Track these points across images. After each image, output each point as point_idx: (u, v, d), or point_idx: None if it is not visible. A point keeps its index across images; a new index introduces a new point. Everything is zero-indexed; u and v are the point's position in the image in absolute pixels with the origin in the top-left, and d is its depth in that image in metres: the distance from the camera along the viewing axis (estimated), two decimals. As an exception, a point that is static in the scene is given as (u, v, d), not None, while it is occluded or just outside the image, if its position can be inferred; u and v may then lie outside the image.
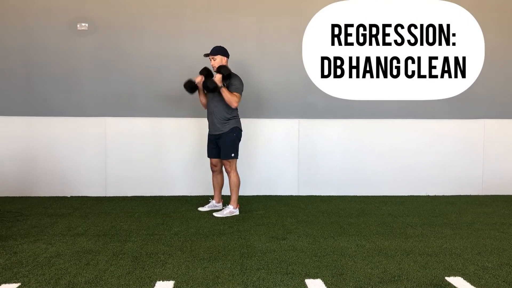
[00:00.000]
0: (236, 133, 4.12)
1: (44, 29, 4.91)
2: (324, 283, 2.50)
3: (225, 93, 3.97)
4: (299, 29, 5.07)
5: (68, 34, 4.92)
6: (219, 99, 4.05)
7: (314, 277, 2.59)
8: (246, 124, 4.65)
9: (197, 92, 4.23)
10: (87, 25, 4.91)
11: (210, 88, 3.96)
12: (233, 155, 4.09)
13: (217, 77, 4.01)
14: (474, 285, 2.49)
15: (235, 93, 4.02)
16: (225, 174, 4.32)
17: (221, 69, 4.01)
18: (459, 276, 2.63)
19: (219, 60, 4.10)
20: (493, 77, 5.25)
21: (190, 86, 4.17)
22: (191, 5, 5.02)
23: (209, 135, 4.23)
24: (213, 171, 4.30)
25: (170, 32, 5.01)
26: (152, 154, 5.02)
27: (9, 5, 4.88)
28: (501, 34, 5.24)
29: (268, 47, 5.09)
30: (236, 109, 4.13)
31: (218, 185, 4.34)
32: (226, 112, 4.07)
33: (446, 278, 2.60)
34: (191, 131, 4.96)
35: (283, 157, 5.11)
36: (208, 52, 4.14)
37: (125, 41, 4.98)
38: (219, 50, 4.12)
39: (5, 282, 2.47)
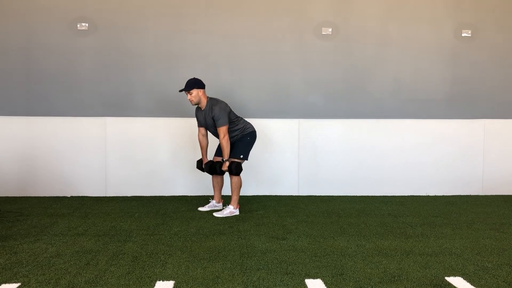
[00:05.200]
0: (250, 137, 4.16)
1: (44, 29, 4.91)
2: (324, 283, 2.50)
3: (226, 152, 4.03)
4: (299, 28, 5.09)
5: (68, 34, 4.92)
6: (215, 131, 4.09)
7: (314, 277, 2.59)
8: (246, 124, 4.65)
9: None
10: (87, 25, 4.92)
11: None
12: (241, 156, 4.10)
13: (224, 167, 4.05)
14: (474, 285, 2.49)
15: (220, 127, 3.98)
16: (225, 174, 4.32)
17: (233, 170, 4.05)
18: (459, 276, 2.63)
19: (195, 94, 3.97)
20: (493, 77, 5.26)
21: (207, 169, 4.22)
22: (191, 5, 5.02)
23: None
24: None
25: (170, 32, 5.01)
26: (152, 154, 5.02)
27: (10, 5, 4.88)
28: (501, 34, 5.24)
29: (268, 46, 5.09)
30: (238, 119, 4.14)
31: (218, 185, 4.33)
32: (229, 133, 4.07)
33: (446, 278, 2.60)
34: (192, 131, 4.95)
35: (283, 157, 5.11)
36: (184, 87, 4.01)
37: (125, 41, 4.98)
38: (194, 83, 3.97)
39: (5, 282, 2.47)
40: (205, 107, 4.05)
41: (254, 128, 4.23)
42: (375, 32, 5.15)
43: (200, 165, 4.28)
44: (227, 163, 4.04)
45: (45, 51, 4.92)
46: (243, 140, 4.15)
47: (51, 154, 4.93)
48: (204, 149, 4.26)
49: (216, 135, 4.13)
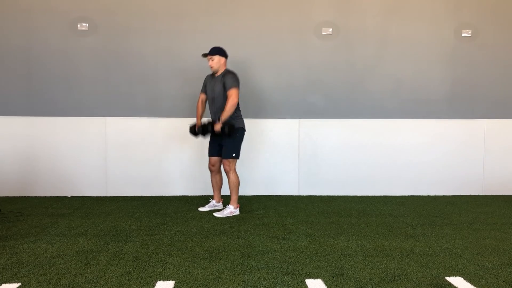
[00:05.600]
0: (239, 133, 4.13)
1: (44, 29, 4.91)
2: (325, 283, 2.50)
3: (226, 114, 3.97)
4: (299, 28, 5.09)
5: (68, 34, 4.92)
6: (220, 104, 4.06)
7: (315, 277, 2.59)
8: (247, 124, 4.64)
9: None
10: (87, 25, 4.92)
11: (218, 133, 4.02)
12: (234, 155, 4.09)
13: (217, 127, 3.99)
14: (475, 285, 2.49)
15: (231, 88, 3.98)
16: (223, 173, 4.32)
17: (226, 131, 3.97)
18: (460, 276, 2.63)
19: (217, 60, 4.07)
20: (493, 77, 5.26)
21: (201, 132, 4.18)
22: (192, 5, 5.02)
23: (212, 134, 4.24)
24: (211, 170, 4.29)
25: (171, 32, 5.01)
26: (152, 154, 5.02)
27: (10, 5, 4.88)
28: (501, 34, 5.24)
29: (269, 46, 5.09)
30: (239, 109, 4.14)
31: (217, 185, 4.33)
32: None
33: (447, 278, 2.60)
34: (191, 131, 4.96)
35: (283, 157, 5.11)
36: (207, 52, 4.13)
37: (125, 41, 4.98)
38: (218, 50, 4.09)
39: (5, 282, 2.47)
40: (220, 74, 4.11)
41: (244, 126, 4.21)
42: (375, 32, 5.15)
43: (194, 129, 4.24)
44: (220, 124, 3.98)
45: (45, 51, 4.92)
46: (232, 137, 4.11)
47: (51, 154, 4.93)
48: (199, 115, 4.29)
49: (217, 112, 4.08)
